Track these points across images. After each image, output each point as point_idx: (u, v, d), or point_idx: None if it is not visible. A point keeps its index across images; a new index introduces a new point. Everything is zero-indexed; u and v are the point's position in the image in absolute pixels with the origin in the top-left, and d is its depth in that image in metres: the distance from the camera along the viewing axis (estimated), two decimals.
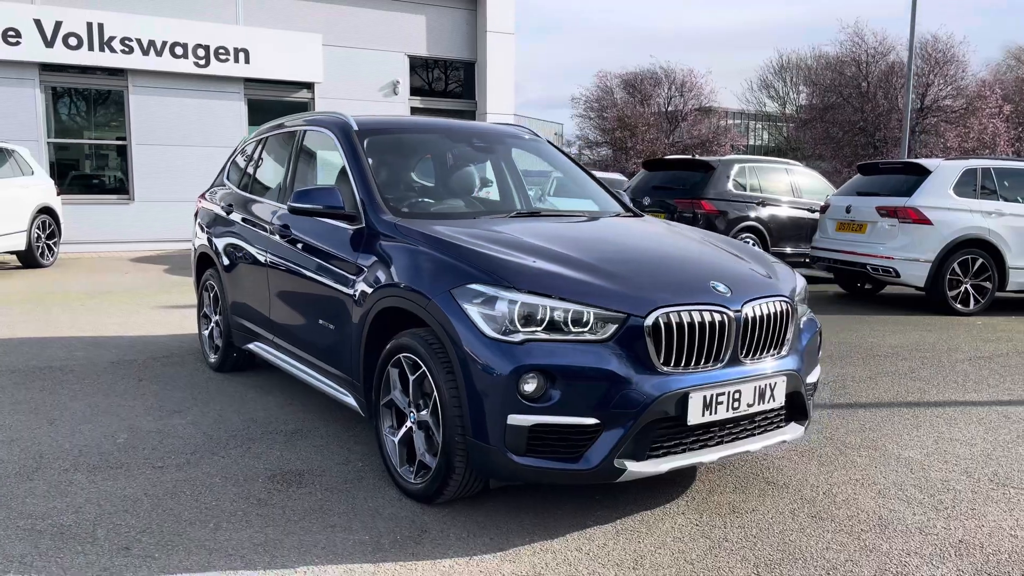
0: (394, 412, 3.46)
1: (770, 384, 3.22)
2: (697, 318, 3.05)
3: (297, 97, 15.46)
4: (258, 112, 15.40)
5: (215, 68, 14.25)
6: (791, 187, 11.30)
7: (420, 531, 3.07)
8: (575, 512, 3.27)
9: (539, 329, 2.94)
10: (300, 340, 4.31)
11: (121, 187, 14.38)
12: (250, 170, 5.36)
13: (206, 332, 5.68)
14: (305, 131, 4.70)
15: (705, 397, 3.02)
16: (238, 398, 4.87)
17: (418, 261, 3.36)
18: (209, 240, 5.51)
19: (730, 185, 10.61)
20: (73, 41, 13.20)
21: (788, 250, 10.91)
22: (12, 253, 11.28)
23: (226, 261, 5.21)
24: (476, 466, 3.05)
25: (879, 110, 35.76)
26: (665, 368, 2.98)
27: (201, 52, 14.11)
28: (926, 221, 8.84)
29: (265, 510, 3.23)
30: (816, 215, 10.67)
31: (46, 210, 11.69)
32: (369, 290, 3.55)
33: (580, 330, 2.95)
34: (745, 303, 3.19)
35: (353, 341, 3.69)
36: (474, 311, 3.00)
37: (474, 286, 3.05)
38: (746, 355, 3.19)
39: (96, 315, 7.67)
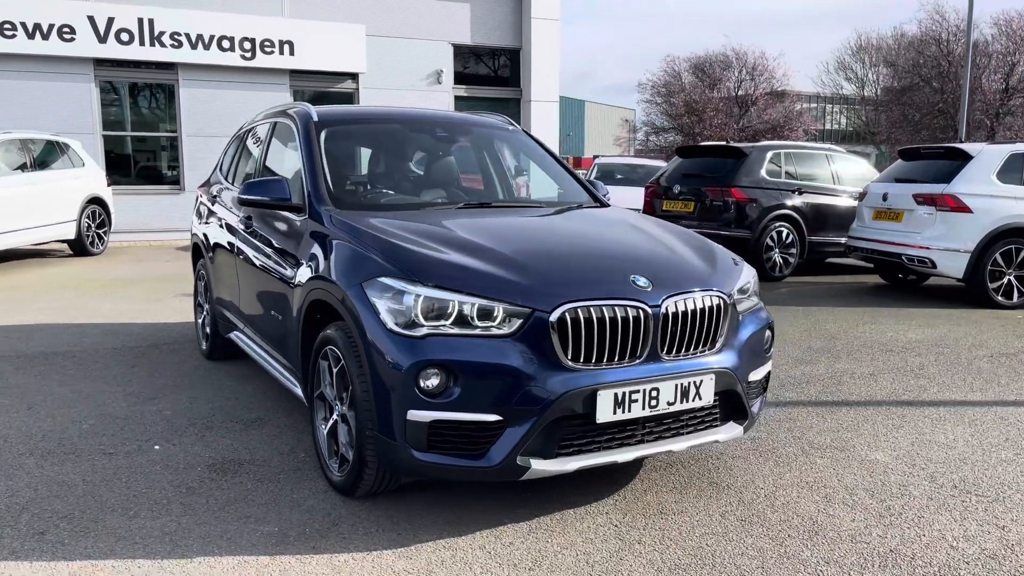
0: (325, 404, 3.47)
1: (694, 382, 3.10)
2: (608, 313, 2.95)
3: (341, 88, 15.67)
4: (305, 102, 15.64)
5: (261, 60, 14.55)
6: (832, 174, 10.88)
7: (331, 524, 3.08)
8: (495, 509, 3.22)
9: (444, 324, 2.89)
10: (259, 330, 4.37)
11: (172, 178, 14.85)
12: (234, 161, 5.45)
13: (200, 320, 5.82)
14: (276, 123, 4.74)
15: (616, 395, 2.93)
16: (216, 386, 4.97)
17: (340, 253, 3.36)
18: (201, 230, 5.64)
19: (764, 172, 10.28)
20: (125, 36, 13.66)
21: (827, 239, 10.52)
22: (63, 242, 11.78)
23: (210, 251, 5.33)
24: (382, 461, 3.04)
25: (960, 91, 34.18)
26: (573, 364, 2.90)
27: (247, 45, 14.42)
28: (965, 209, 8.38)
29: (190, 499, 3.29)
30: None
31: (96, 200, 12.16)
32: (303, 281, 3.57)
33: (486, 324, 2.90)
34: (666, 298, 3.07)
35: (292, 332, 3.71)
36: (381, 305, 2.98)
37: (383, 279, 3.03)
38: (668, 352, 3.08)
39: (119, 302, 7.94)
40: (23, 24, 13.02)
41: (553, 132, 17.21)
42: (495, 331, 2.89)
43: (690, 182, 10.62)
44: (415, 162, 4.69)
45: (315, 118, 4.32)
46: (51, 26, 13.19)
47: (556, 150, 17.01)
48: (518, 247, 3.30)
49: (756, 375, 3.48)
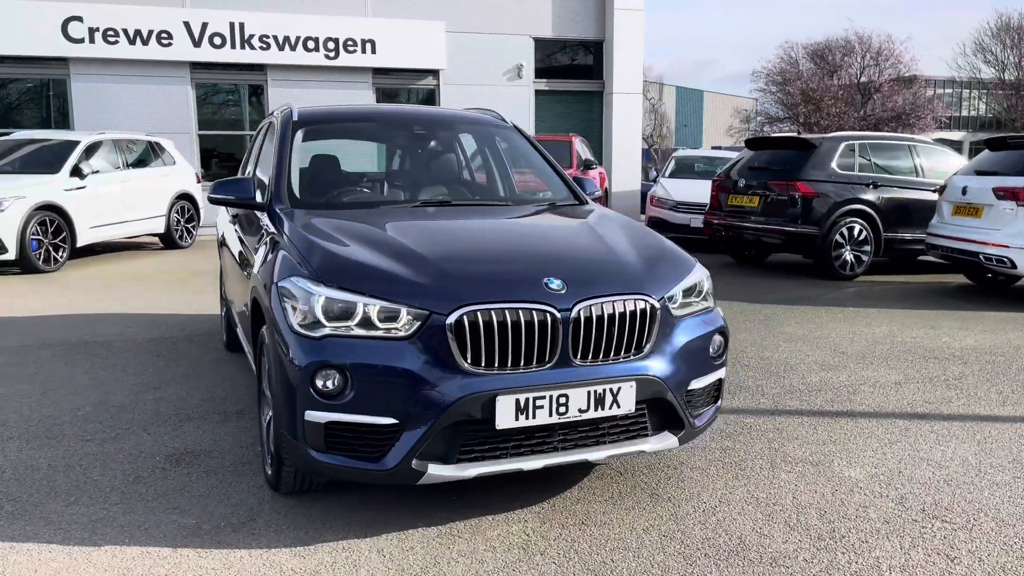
0: (264, 400, 3.54)
1: (611, 389, 2.98)
2: (511, 317, 2.87)
3: (422, 84, 15.91)
4: (386, 100, 16.01)
5: (344, 59, 14.97)
6: (915, 167, 10.17)
7: (248, 519, 3.14)
8: (415, 511, 3.20)
9: (349, 325, 2.89)
10: (240, 324, 4.51)
11: None
12: (248, 158, 5.64)
13: (222, 313, 6.06)
14: (269, 122, 4.87)
15: (519, 400, 2.85)
16: (221, 377, 5.16)
17: (274, 252, 3.41)
18: (220, 227, 5.87)
19: (835, 165, 9.72)
20: (218, 40, 14.36)
21: (907, 236, 9.86)
22: (154, 235, 12.52)
23: (221, 247, 5.53)
24: (291, 460, 3.08)
25: None
26: (472, 368, 2.84)
27: (331, 45, 14.87)
28: None
29: (133, 488, 3.43)
30: None
31: (185, 196, 12.85)
32: (251, 278, 3.66)
33: (388, 327, 2.88)
34: (579, 302, 2.96)
35: (246, 328, 3.81)
36: (288, 305, 3.01)
37: (292, 279, 3.06)
38: (582, 357, 2.97)
39: (180, 294, 8.37)
40: (124, 31, 13.89)
41: (636, 125, 16.89)
42: (394, 334, 2.86)
43: (756, 175, 10.19)
44: (390, 160, 4.71)
45: (294, 117, 4.40)
46: (150, 32, 14.01)
47: (638, 143, 16.73)
48: (440, 249, 3.26)
49: (699, 383, 3.30)
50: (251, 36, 14.48)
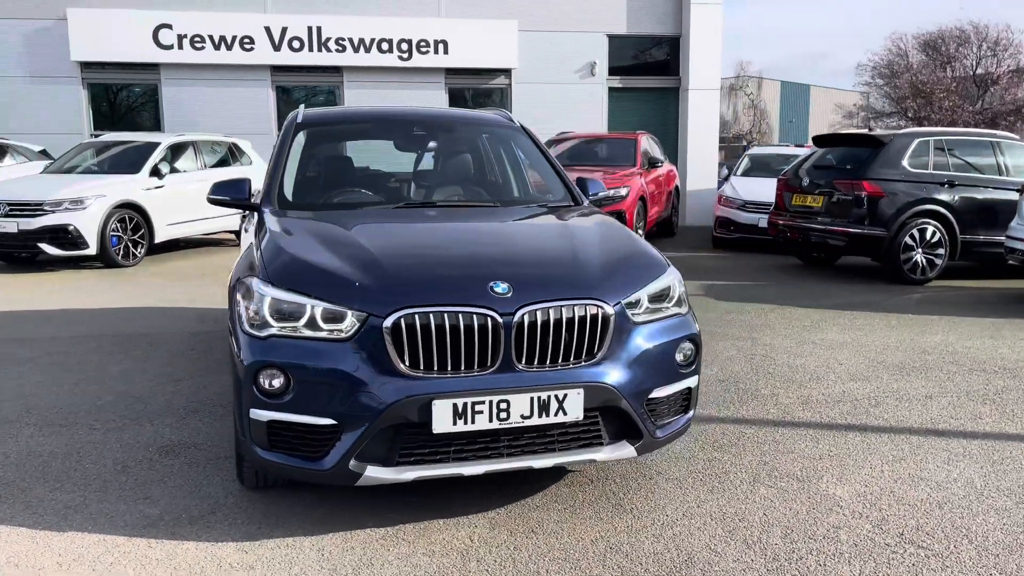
0: None
1: (556, 396, 2.92)
2: (450, 320, 2.86)
3: (494, 84, 15.99)
4: (459, 100, 16.17)
5: (417, 60, 15.20)
6: (1000, 165, 9.53)
7: (209, 512, 3.24)
8: (369, 511, 3.23)
9: (296, 325, 2.94)
10: None
11: None
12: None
13: None
14: (284, 124, 4.99)
15: (456, 405, 2.84)
16: None
17: (246, 252, 3.50)
18: None
19: (906, 163, 9.21)
20: (296, 44, 14.83)
21: (988, 238, 9.25)
22: (230, 233, 13.05)
23: None
24: (245, 456, 3.15)
25: None
26: (410, 372, 2.84)
27: (404, 46, 15.13)
28: None
29: (116, 477, 3.59)
30: None
31: None
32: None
33: (332, 328, 2.91)
34: (523, 307, 2.92)
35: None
36: (243, 304, 3.08)
37: (248, 279, 3.13)
38: (527, 362, 2.92)
39: None
40: (210, 37, 14.53)
41: (713, 122, 16.46)
42: (336, 335, 2.89)
43: (822, 174, 9.77)
44: (392, 160, 4.75)
45: (299, 119, 4.51)
46: (234, 37, 14.61)
47: (714, 141, 16.32)
48: (395, 251, 3.28)
49: (663, 392, 3.20)
50: (328, 39, 14.90)
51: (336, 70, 15.30)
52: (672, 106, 16.67)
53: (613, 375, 3.04)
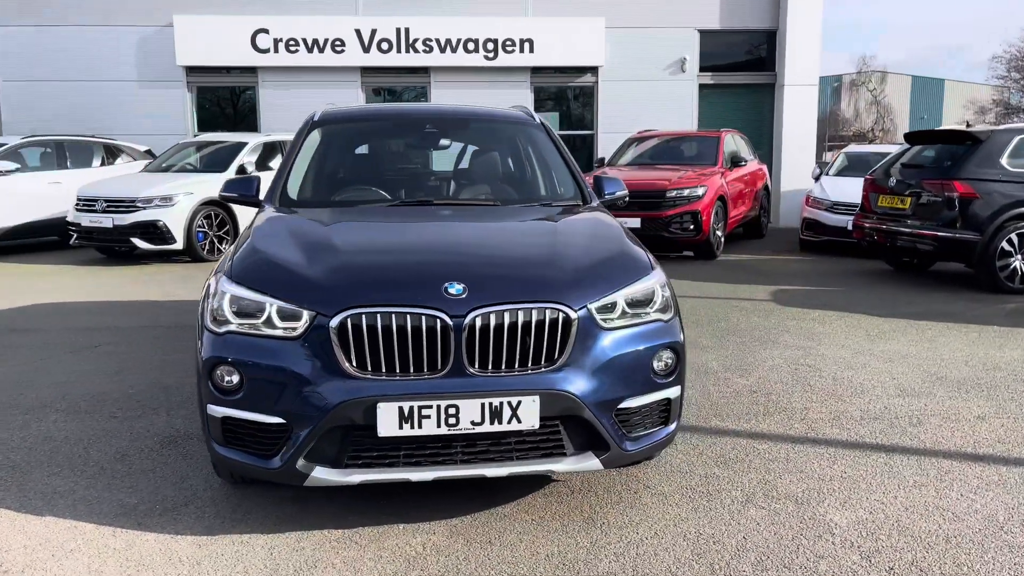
0: None
1: (509, 402, 2.81)
2: (398, 321, 2.79)
3: (581, 82, 15.81)
4: (544, 99, 16.09)
5: (502, 60, 15.21)
6: None
7: (182, 504, 3.29)
8: (333, 513, 3.20)
9: (251, 323, 2.94)
10: None
11: None
12: None
13: None
14: None
15: (402, 409, 2.76)
16: None
17: (230, 250, 3.54)
18: None
19: (1005, 162, 8.47)
20: (385, 45, 15.12)
21: None
22: None
23: None
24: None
25: None
26: (357, 373, 2.80)
27: (490, 46, 15.16)
28: None
29: (113, 465, 3.71)
30: None
31: None
32: None
33: (287, 326, 2.90)
34: (475, 309, 2.81)
35: None
36: (208, 301, 3.11)
37: (216, 276, 3.16)
38: (480, 366, 2.82)
39: None
40: (304, 40, 15.01)
41: (810, 119, 15.74)
42: (288, 334, 2.87)
43: (911, 173, 9.12)
44: (398, 158, 4.71)
45: (315, 117, 4.55)
46: (326, 40, 15.03)
47: (812, 138, 15.61)
48: (361, 250, 3.26)
49: (636, 402, 3.04)
50: (415, 40, 15.11)
51: (423, 70, 15.51)
52: (766, 103, 16.04)
53: (575, 383, 2.89)
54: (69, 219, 11.07)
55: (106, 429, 4.18)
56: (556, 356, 2.90)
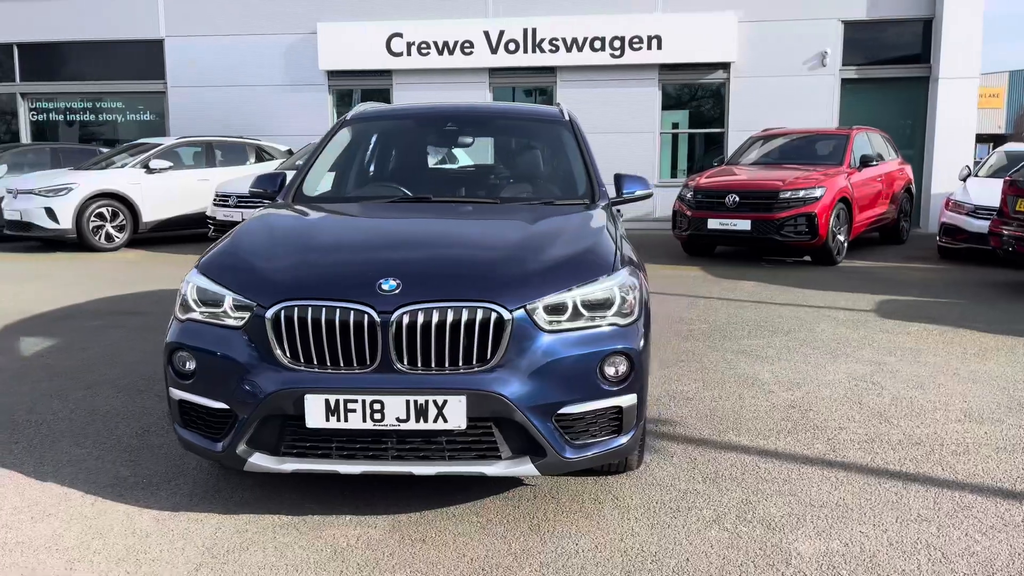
0: None
1: (435, 401, 2.79)
2: (327, 315, 2.84)
3: (711, 79, 15.27)
4: (672, 97, 15.69)
5: (629, 57, 14.96)
6: None
7: (165, 481, 3.50)
8: (292, 501, 3.28)
9: (212, 311, 3.09)
10: None
11: None
12: None
13: None
14: None
15: (328, 401, 2.81)
16: None
17: None
18: None
19: None
20: (512, 46, 15.28)
21: None
22: None
23: None
24: None
25: None
26: (291, 364, 2.87)
27: (617, 44, 14.96)
28: None
29: (130, 441, 4.00)
30: None
31: None
32: None
33: (238, 315, 3.02)
34: (403, 306, 2.81)
35: None
36: (181, 289, 3.29)
37: (194, 267, 3.33)
38: (410, 363, 2.82)
39: None
40: (435, 43, 15.45)
41: (970, 115, 14.34)
42: (229, 322, 3.00)
43: None
44: (420, 156, 4.76)
45: (348, 116, 4.69)
46: (456, 42, 15.40)
47: (970, 135, 14.32)
48: (320, 244, 3.36)
49: (578, 408, 2.93)
50: (542, 40, 15.16)
51: (550, 70, 15.53)
52: (919, 98, 14.81)
53: (507, 384, 2.82)
54: (207, 213, 12.01)
55: (144, 407, 4.51)
56: (488, 357, 2.84)
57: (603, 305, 3.03)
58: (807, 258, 10.61)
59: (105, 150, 14.76)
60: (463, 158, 4.82)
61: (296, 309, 2.87)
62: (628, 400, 3.02)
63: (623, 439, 3.06)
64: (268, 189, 4.39)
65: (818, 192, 10.04)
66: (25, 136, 17.64)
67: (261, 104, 16.17)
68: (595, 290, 3.03)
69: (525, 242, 3.28)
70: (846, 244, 10.60)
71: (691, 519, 3.13)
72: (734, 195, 10.23)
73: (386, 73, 16.00)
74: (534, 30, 15.18)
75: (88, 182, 12.17)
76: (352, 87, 16.44)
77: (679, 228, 10.94)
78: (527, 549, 2.90)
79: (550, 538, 2.98)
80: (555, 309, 2.95)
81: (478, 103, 5.76)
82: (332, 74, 16.17)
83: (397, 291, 2.86)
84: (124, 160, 12.98)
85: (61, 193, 11.91)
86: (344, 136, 4.64)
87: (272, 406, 2.86)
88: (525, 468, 2.90)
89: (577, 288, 3.01)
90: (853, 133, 11.48)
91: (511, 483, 3.41)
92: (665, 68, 15.26)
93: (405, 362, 2.83)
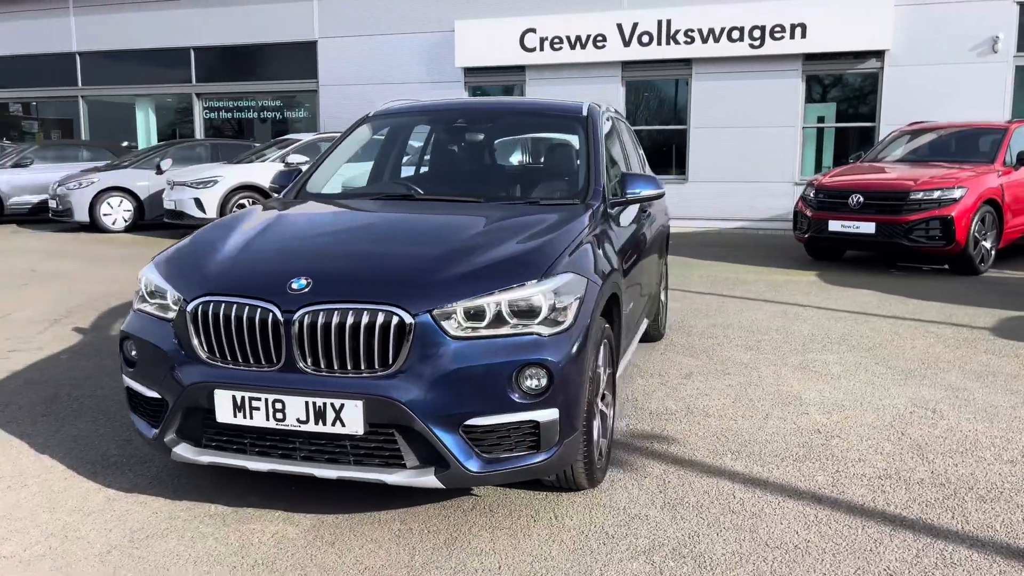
0: None
1: (332, 404, 2.74)
2: (236, 312, 2.87)
3: (862, 68, 14.10)
4: (818, 88, 14.66)
5: (769, 47, 14.12)
6: None
7: (139, 461, 3.67)
8: (234, 491, 3.34)
9: (157, 303, 3.19)
10: None
11: (679, 168, 15.63)
12: None
13: None
14: None
15: (235, 397, 2.84)
16: None
17: None
18: None
19: None
20: (645, 39, 14.86)
21: None
22: None
23: None
24: None
25: None
26: (208, 358, 2.92)
27: (756, 33, 14.16)
28: None
29: (125, 420, 4.13)
30: None
31: None
32: None
33: (175, 308, 3.09)
34: (305, 306, 2.78)
35: None
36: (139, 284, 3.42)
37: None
38: (314, 365, 2.79)
39: None
40: (567, 37, 15.30)
41: None
42: (165, 315, 3.08)
43: None
44: (425, 153, 4.66)
45: (371, 112, 4.71)
46: (588, 36, 15.18)
47: None
48: (263, 243, 3.36)
49: (487, 420, 2.79)
50: (676, 32, 14.64)
51: (685, 62, 14.96)
52: None
53: (407, 391, 2.73)
54: None
55: None
56: (390, 361, 2.75)
57: (530, 312, 2.85)
58: (945, 266, 9.58)
59: (258, 145, 15.82)
60: (474, 156, 4.70)
61: (211, 305, 2.91)
62: (547, 415, 2.82)
63: (541, 456, 2.87)
64: (281, 185, 4.49)
65: (957, 193, 9.02)
66: (199, 132, 19.26)
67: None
68: (520, 296, 2.85)
69: (463, 244, 3.14)
70: (993, 252, 9.46)
71: (620, 548, 2.88)
72: (858, 195, 9.40)
73: (519, 69, 16.05)
74: (668, 21, 14.69)
75: (232, 175, 13.09)
76: (486, 83, 16.63)
77: (799, 229, 10.21)
78: (428, 562, 2.78)
79: (458, 553, 2.84)
80: (474, 314, 2.81)
81: (499, 99, 5.62)
82: (468, 71, 16.44)
83: (306, 290, 2.83)
84: (268, 155, 13.85)
85: (208, 185, 12.89)
86: (364, 133, 4.67)
87: (190, 399, 2.92)
88: (427, 479, 2.79)
89: (500, 293, 2.84)
90: (1012, 127, 10.22)
91: (457, 491, 3.29)
92: (810, 58, 14.28)
93: (309, 363, 2.80)
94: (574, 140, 4.34)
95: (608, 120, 4.57)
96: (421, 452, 2.79)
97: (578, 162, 4.18)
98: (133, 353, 3.19)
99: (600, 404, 3.39)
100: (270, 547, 2.90)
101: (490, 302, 2.82)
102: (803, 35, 13.95)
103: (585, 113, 4.39)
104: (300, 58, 17.86)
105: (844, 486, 3.42)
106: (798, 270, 9.59)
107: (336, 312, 2.77)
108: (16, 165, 15.69)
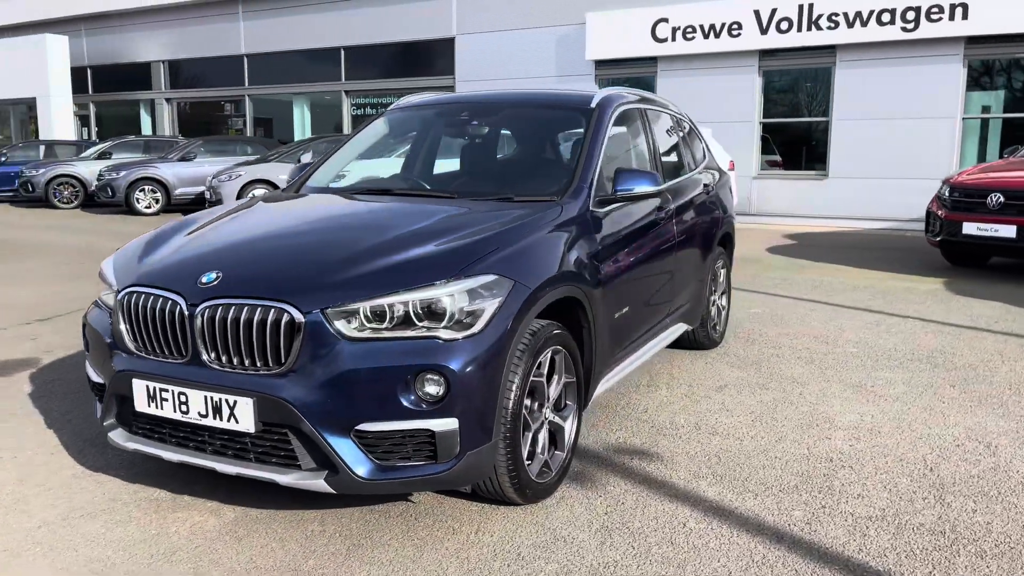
0: None
1: (227, 400, 2.73)
2: (149, 303, 2.92)
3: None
4: (983, 75, 13.19)
5: (925, 30, 12.84)
6: None
7: (100, 443, 3.79)
8: (183, 477, 3.39)
9: (107, 293, 3.31)
10: None
11: (818, 163, 14.56)
12: None
13: None
14: None
15: (148, 387, 2.89)
16: None
17: None
18: None
19: None
20: (784, 25, 13.95)
21: None
22: None
23: None
24: None
25: None
26: (133, 348, 2.99)
27: (910, 15, 12.92)
28: None
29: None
30: None
31: None
32: None
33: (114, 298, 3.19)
34: (206, 300, 2.78)
35: None
36: None
37: None
38: (218, 359, 2.79)
39: None
40: (700, 26, 14.65)
41: None
42: (112, 305, 3.18)
43: None
44: (426, 148, 4.53)
45: (391, 107, 4.68)
46: (722, 25, 14.46)
47: None
48: (208, 236, 3.36)
49: (377, 426, 2.69)
50: (819, 16, 13.64)
51: (828, 49, 13.90)
52: None
53: (295, 391, 2.66)
54: None
55: None
56: (282, 360, 2.69)
57: (437, 314, 2.70)
58: None
59: None
60: (479, 149, 4.53)
61: (134, 295, 2.97)
62: (444, 424, 2.65)
63: (439, 468, 2.70)
64: (293, 179, 4.55)
65: None
66: (347, 128, 20.19)
67: None
68: (425, 296, 2.70)
69: (385, 242, 3.01)
70: None
71: (521, 573, 2.66)
72: (998, 194, 8.34)
73: (650, 60, 15.59)
74: (811, 6, 13.72)
75: (358, 169, 13.58)
76: (617, 76, 16.26)
77: (930, 232, 9.21)
78: (317, 568, 2.70)
79: (351, 562, 2.74)
80: (377, 315, 2.69)
81: (507, 91, 5.34)
82: (598, 64, 16.17)
83: (214, 284, 2.82)
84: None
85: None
86: (380, 127, 4.64)
87: (115, 386, 3.00)
88: (317, 483, 2.70)
89: (405, 292, 2.71)
90: None
91: (402, 495, 3.19)
92: (972, 41, 12.86)
93: (212, 357, 2.79)
94: (574, 133, 4.08)
95: (627, 109, 4.28)
96: (315, 454, 2.71)
97: (570, 156, 3.94)
98: (87, 340, 3.32)
99: (549, 414, 3.17)
100: (181, 537, 2.92)
101: (394, 302, 2.69)
102: (964, 16, 12.58)
103: (593, 105, 4.11)
104: (439, 55, 18.29)
105: (819, 525, 3.00)
106: (924, 277, 8.65)
107: (233, 307, 2.74)
108: (182, 159, 17.11)
